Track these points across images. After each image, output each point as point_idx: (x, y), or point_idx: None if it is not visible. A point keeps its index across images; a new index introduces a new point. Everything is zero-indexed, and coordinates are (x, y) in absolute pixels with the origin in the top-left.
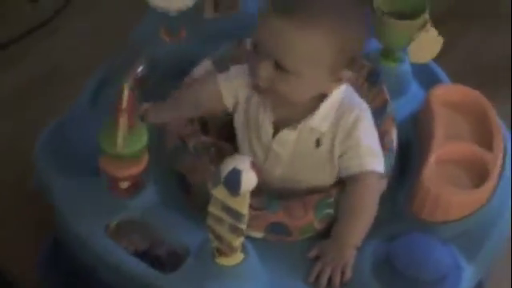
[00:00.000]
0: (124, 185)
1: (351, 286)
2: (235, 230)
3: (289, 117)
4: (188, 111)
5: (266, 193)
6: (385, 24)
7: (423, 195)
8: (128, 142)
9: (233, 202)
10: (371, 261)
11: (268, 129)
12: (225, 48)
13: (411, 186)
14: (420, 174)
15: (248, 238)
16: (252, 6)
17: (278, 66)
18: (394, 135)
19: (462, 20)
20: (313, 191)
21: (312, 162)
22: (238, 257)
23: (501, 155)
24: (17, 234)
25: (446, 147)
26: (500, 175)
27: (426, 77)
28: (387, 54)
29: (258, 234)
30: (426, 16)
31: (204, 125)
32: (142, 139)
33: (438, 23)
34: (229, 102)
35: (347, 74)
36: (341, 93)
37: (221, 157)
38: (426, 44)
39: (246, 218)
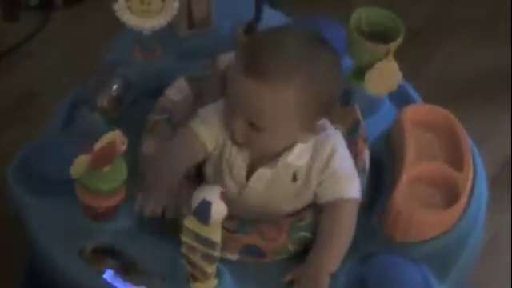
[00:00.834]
0: (99, 209)
1: None
2: (208, 258)
3: (264, 157)
4: (180, 176)
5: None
6: (356, 42)
7: (395, 216)
8: (107, 177)
9: (205, 231)
10: (344, 282)
11: (242, 169)
12: (199, 66)
13: (384, 207)
14: (392, 195)
15: (223, 260)
16: (225, 22)
17: (252, 124)
18: (366, 156)
19: (433, 38)
20: (288, 216)
21: (288, 194)
22: (213, 282)
23: (471, 175)
24: None
25: (418, 167)
26: (470, 194)
27: (399, 96)
28: (359, 73)
29: (233, 257)
30: (392, 47)
31: None
32: (118, 177)
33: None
34: (211, 147)
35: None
36: None
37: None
38: (384, 74)
39: (219, 246)
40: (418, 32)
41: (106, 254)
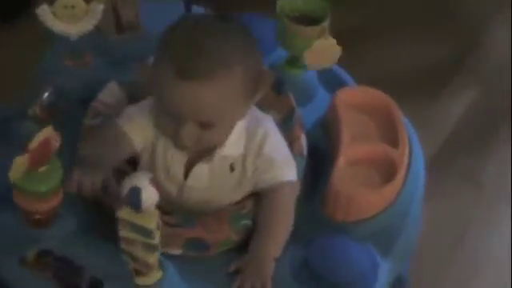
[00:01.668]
0: (37, 216)
1: None
2: (148, 248)
3: (200, 153)
4: (111, 165)
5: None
6: (287, 30)
7: (334, 197)
8: (40, 179)
9: (139, 220)
10: (290, 267)
11: (179, 170)
12: (129, 71)
13: (324, 190)
14: (330, 177)
15: (167, 256)
16: (154, 24)
17: (202, 125)
18: (303, 141)
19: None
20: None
21: (228, 185)
22: (157, 275)
23: (407, 151)
24: None
25: (354, 148)
26: (408, 169)
27: (333, 81)
28: (292, 61)
29: (177, 251)
30: (325, 24)
31: None
32: (54, 177)
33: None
34: (140, 147)
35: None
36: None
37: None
38: (324, 51)
39: (157, 234)
40: (353, 32)
41: (48, 260)
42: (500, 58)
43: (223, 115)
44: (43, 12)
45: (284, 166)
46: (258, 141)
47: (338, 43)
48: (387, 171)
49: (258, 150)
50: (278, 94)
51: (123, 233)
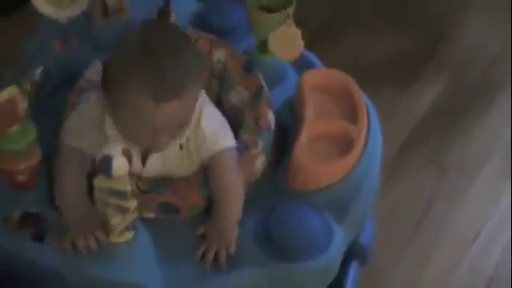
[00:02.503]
0: (20, 178)
1: (235, 259)
2: (122, 209)
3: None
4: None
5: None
6: (255, 17)
7: (295, 168)
8: (13, 138)
9: (112, 184)
10: (252, 233)
11: (137, 162)
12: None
13: (286, 162)
14: (292, 150)
15: (142, 219)
16: (138, 8)
17: (179, 127)
18: (270, 116)
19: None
20: None
21: (182, 161)
22: (129, 234)
23: (365, 127)
24: None
25: (315, 125)
26: (365, 144)
27: (304, 65)
28: (261, 47)
29: (150, 215)
30: (289, 11)
31: None
32: (28, 136)
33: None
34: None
35: None
36: None
37: None
38: (287, 39)
39: (129, 196)
40: (325, 25)
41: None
42: (467, 52)
43: (191, 114)
44: None
45: (221, 137)
46: (196, 115)
47: (311, 36)
48: (345, 146)
49: (197, 123)
50: (247, 73)
51: (99, 196)
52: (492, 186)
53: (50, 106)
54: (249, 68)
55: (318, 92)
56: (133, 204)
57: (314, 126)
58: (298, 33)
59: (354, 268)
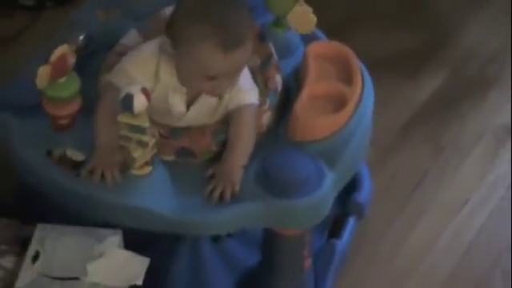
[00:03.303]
0: (62, 121)
1: (240, 194)
2: (141, 144)
3: (196, 92)
4: None
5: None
6: None
7: (294, 121)
8: (62, 87)
9: (133, 120)
10: (254, 174)
11: (182, 107)
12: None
13: (288, 117)
14: (293, 106)
15: (163, 161)
16: None
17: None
18: (277, 79)
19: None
20: None
21: (215, 110)
22: (148, 168)
23: (358, 89)
24: None
25: (315, 85)
26: (358, 103)
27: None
28: (277, 22)
29: (169, 158)
30: None
31: None
32: (73, 86)
33: None
34: (148, 85)
35: None
36: None
37: None
38: (301, 18)
39: (148, 131)
40: (336, 25)
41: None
42: (467, 49)
43: (247, 61)
44: None
45: (251, 91)
46: None
47: (326, 31)
48: (340, 103)
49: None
50: (260, 42)
51: (122, 132)
52: (480, 163)
53: (89, 65)
54: (262, 38)
55: (320, 59)
56: (151, 140)
57: (314, 86)
58: (310, 10)
59: (351, 221)
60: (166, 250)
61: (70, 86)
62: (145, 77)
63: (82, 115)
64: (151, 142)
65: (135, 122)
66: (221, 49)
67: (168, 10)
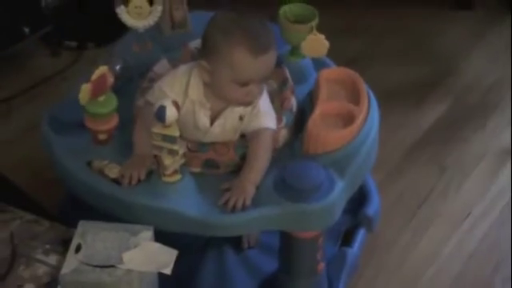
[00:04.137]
0: (101, 136)
1: (258, 200)
2: (172, 152)
3: (219, 108)
4: None
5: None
6: (287, 28)
7: (308, 136)
8: (101, 105)
9: (165, 131)
10: (273, 181)
11: (207, 122)
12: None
13: (303, 134)
14: (307, 123)
15: (191, 172)
16: (198, 26)
17: (262, 82)
18: (292, 100)
19: None
20: None
21: (234, 130)
22: (177, 176)
23: (365, 108)
24: None
25: (327, 105)
26: (364, 120)
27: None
28: (292, 52)
29: (196, 169)
30: (313, 23)
31: None
32: (111, 104)
33: None
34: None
35: None
36: None
37: None
38: (314, 44)
39: (178, 141)
40: (352, 60)
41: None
42: (469, 81)
43: (272, 70)
44: (120, 11)
45: (267, 117)
46: None
47: (343, 65)
48: (349, 120)
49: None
50: (277, 67)
51: (154, 142)
52: (482, 181)
53: (125, 89)
54: (278, 63)
55: (331, 83)
56: (181, 149)
57: (325, 105)
58: (322, 37)
59: (362, 232)
60: (193, 260)
61: (109, 103)
62: (175, 93)
63: (119, 132)
64: (181, 150)
65: (167, 132)
66: (251, 54)
67: (194, 44)
